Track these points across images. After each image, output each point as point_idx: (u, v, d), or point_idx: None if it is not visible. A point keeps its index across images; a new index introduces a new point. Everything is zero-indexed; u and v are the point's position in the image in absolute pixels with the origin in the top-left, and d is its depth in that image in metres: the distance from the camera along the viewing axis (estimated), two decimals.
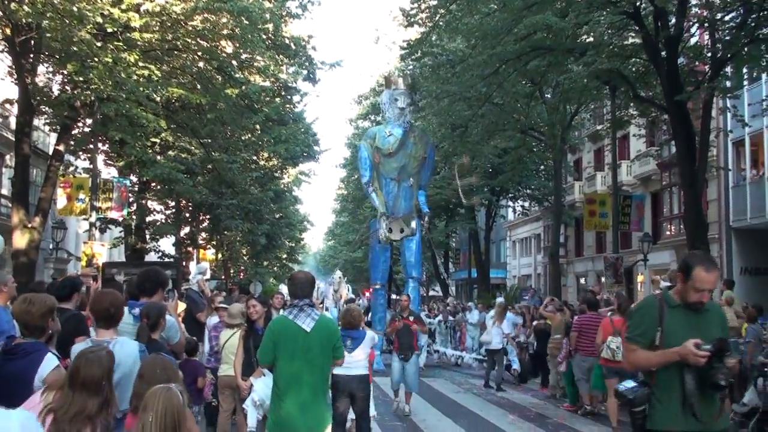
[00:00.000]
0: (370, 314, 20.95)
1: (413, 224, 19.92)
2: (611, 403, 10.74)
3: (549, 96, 24.68)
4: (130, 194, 25.94)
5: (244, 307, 9.28)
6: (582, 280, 38.69)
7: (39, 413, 3.81)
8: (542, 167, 33.84)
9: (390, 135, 19.90)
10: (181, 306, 9.80)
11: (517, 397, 14.47)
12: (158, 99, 17.28)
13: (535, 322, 17.05)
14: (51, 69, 19.01)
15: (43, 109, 19.07)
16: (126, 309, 6.22)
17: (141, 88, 15.36)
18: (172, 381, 4.13)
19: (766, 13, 14.96)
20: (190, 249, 35.03)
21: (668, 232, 28.68)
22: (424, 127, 24.42)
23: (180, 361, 7.70)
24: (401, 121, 20.02)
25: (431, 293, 49.38)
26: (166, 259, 29.20)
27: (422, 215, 20.55)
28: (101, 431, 3.89)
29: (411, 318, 12.55)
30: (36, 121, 21.55)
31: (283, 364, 5.62)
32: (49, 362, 4.57)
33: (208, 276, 22.75)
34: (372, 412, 10.36)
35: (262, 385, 7.07)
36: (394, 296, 33.01)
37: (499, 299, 19.46)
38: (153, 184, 26.42)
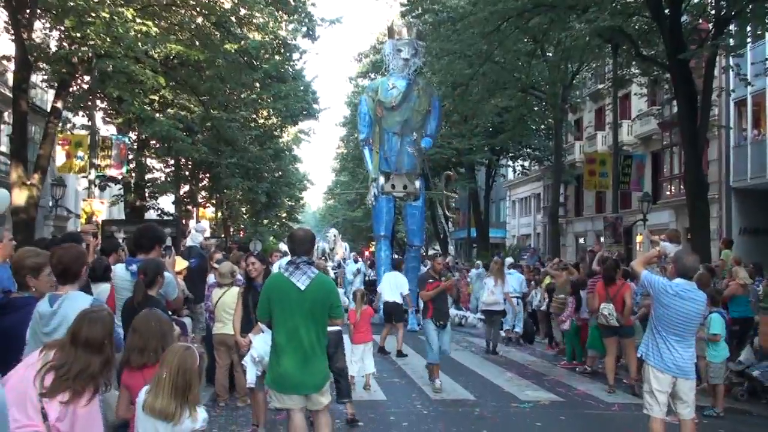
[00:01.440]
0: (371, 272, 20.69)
1: (417, 183, 19.46)
2: (609, 362, 10.83)
3: (550, 54, 24.41)
4: (129, 152, 25.86)
5: (235, 266, 9.33)
6: (581, 240, 38.74)
7: (38, 371, 3.82)
8: (543, 126, 33.66)
9: (393, 87, 18.99)
10: (183, 263, 9.80)
11: (515, 355, 14.57)
12: (156, 55, 17.13)
13: (546, 281, 16.46)
14: (48, 25, 18.77)
15: (41, 66, 18.88)
16: (123, 266, 6.24)
17: (139, 44, 15.21)
18: (166, 335, 4.18)
19: None
20: (189, 207, 35.02)
21: (668, 192, 28.65)
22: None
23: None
24: (405, 73, 19.02)
25: (430, 252, 49.49)
26: (166, 218, 29.22)
27: (424, 155, 19.81)
28: (101, 390, 3.92)
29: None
30: (34, 78, 21.38)
31: (278, 321, 5.74)
32: None
33: (207, 234, 22.78)
34: (371, 369, 10.49)
35: (261, 342, 7.10)
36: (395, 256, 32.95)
37: (496, 257, 19.13)
38: (152, 142, 26.33)
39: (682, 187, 24.71)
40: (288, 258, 6.32)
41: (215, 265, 10.14)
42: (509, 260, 19.46)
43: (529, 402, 9.73)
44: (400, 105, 18.90)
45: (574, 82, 27.76)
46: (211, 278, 10.06)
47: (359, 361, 10.16)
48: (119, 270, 6.26)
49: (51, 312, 4.53)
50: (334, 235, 25.69)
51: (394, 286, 14.48)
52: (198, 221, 32.72)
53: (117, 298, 6.03)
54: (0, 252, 6.50)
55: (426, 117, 19.51)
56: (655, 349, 6.45)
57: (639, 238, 30.10)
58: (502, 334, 16.04)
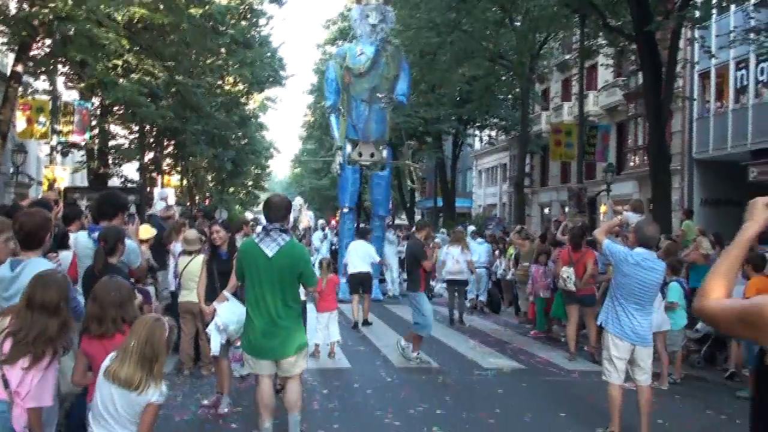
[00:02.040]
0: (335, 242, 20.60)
1: (384, 152, 19.20)
2: (570, 329, 11.01)
3: (518, 23, 24.41)
4: (92, 118, 25.43)
5: (200, 234, 9.27)
6: (546, 210, 39.11)
7: None
8: (510, 96, 33.73)
9: (361, 54, 18.55)
10: (151, 232, 9.69)
11: (479, 323, 14.72)
12: (119, 18, 16.77)
13: (510, 251, 16.48)
14: None
15: (0, 29, 18.43)
16: (86, 233, 6.17)
17: (101, 7, 14.92)
18: (125, 303, 4.16)
19: None
20: (154, 175, 34.66)
21: (632, 163, 29.01)
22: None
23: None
24: (373, 39, 18.60)
25: (397, 221, 49.64)
26: (129, 185, 28.89)
27: (393, 102, 19.15)
28: (59, 354, 3.90)
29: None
30: None
31: (249, 286, 5.86)
32: None
33: (172, 202, 22.51)
34: (337, 337, 10.53)
35: (225, 310, 7.09)
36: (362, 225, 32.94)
37: (459, 227, 19.05)
38: (116, 108, 25.92)
39: (645, 158, 25.00)
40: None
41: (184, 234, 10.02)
42: (471, 228, 19.35)
43: (491, 369, 9.86)
44: (369, 71, 18.54)
45: (541, 52, 27.82)
46: (177, 246, 9.97)
47: (324, 329, 10.20)
48: (81, 237, 6.18)
49: (12, 276, 4.50)
50: (300, 204, 25.53)
51: (362, 256, 14.37)
52: (162, 189, 32.39)
53: (79, 266, 5.96)
54: None
55: (394, 83, 19.12)
56: (614, 317, 6.57)
57: (603, 209, 30.45)
58: (467, 303, 16.12)
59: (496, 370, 9.80)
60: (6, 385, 3.80)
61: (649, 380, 6.67)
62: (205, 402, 7.51)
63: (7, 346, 3.78)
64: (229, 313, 7.09)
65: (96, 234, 5.80)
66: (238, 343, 8.97)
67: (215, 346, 7.12)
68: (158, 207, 12.42)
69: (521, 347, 11.81)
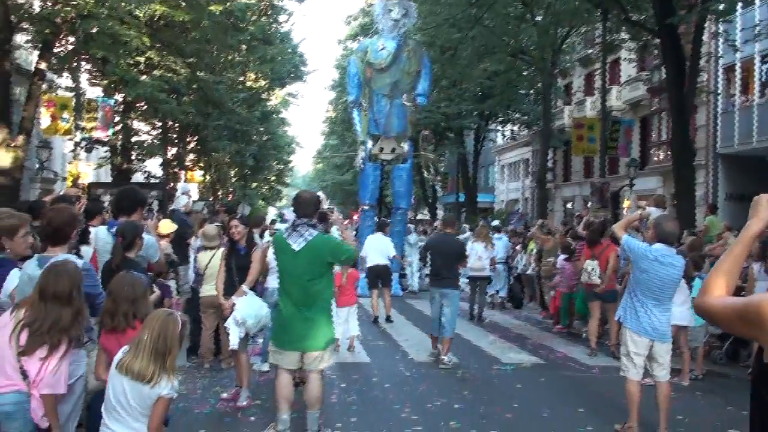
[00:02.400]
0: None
1: (405, 146, 19.17)
2: (592, 325, 10.96)
3: (540, 18, 24.26)
4: (115, 114, 25.64)
5: (220, 229, 9.33)
6: (569, 205, 38.87)
7: (12, 330, 3.85)
8: (532, 91, 33.55)
9: (383, 48, 18.64)
10: (171, 227, 9.77)
11: (500, 319, 14.69)
12: (141, 15, 16.89)
13: (531, 246, 16.34)
14: None
15: (24, 26, 18.62)
16: (105, 228, 6.24)
17: (123, 4, 15.03)
18: (139, 298, 4.21)
19: None
20: (177, 170, 34.89)
21: (656, 158, 28.72)
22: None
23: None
24: (395, 34, 18.69)
25: (419, 216, 49.61)
26: (152, 180, 29.09)
27: (417, 108, 19.40)
28: (74, 343, 3.95)
29: None
30: (19, 39, 21.10)
31: (280, 278, 6.16)
32: (14, 278, 4.59)
33: (195, 197, 22.60)
34: (356, 331, 10.58)
35: (243, 305, 7.15)
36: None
37: (482, 222, 18.93)
38: (139, 104, 26.12)
39: (669, 153, 24.76)
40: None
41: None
42: (496, 223, 19.20)
43: (510, 364, 9.85)
44: (390, 66, 18.59)
45: (563, 46, 27.64)
46: (197, 242, 10.03)
47: (344, 323, 10.23)
48: (101, 233, 6.25)
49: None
50: (321, 199, 25.57)
51: (380, 249, 14.31)
52: (184, 183, 32.59)
53: (99, 261, 6.02)
54: None
55: (416, 78, 19.13)
56: (632, 313, 6.53)
57: (626, 204, 30.24)
58: (488, 299, 16.03)
59: (516, 365, 9.78)
60: (25, 376, 3.87)
61: (667, 376, 6.63)
62: (225, 395, 7.58)
63: (24, 337, 3.84)
64: (247, 307, 7.15)
65: (115, 229, 5.86)
66: (260, 339, 9.09)
67: (234, 340, 7.17)
68: (181, 202, 12.50)
69: (541, 342, 11.77)
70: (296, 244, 5.89)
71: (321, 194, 26.74)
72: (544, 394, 8.17)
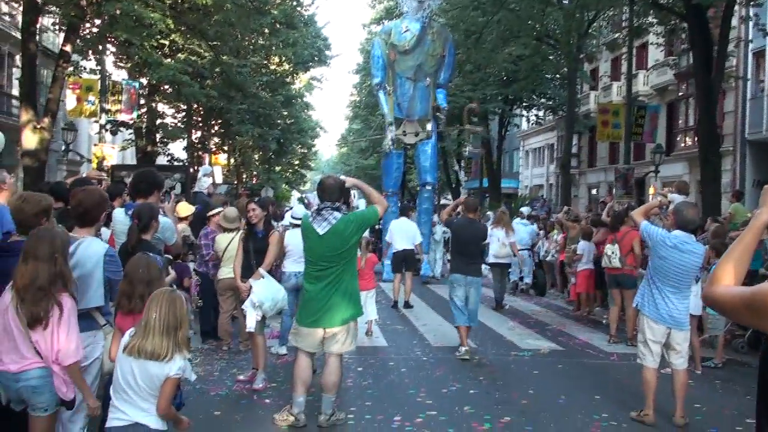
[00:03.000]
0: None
1: (429, 127, 18.87)
2: (613, 312, 10.89)
3: (566, 2, 23.97)
4: (140, 97, 25.80)
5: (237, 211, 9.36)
6: (594, 191, 38.57)
7: (14, 309, 3.92)
8: (557, 76, 33.20)
9: (406, 30, 18.29)
10: (190, 209, 9.83)
11: (520, 305, 14.63)
12: None
13: (554, 232, 16.10)
14: None
15: (50, 9, 18.77)
16: (122, 210, 6.28)
17: None
18: (154, 280, 4.24)
19: None
20: (201, 153, 35.08)
21: (683, 144, 28.37)
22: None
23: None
24: (419, 15, 18.28)
25: (443, 201, 49.47)
26: (176, 163, 29.29)
27: (440, 110, 19.00)
28: (67, 313, 3.97)
29: None
30: (46, 21, 21.28)
31: (306, 261, 6.33)
32: None
33: (219, 181, 22.60)
34: (374, 315, 10.59)
35: (260, 288, 7.18)
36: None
37: (503, 207, 18.49)
38: (164, 87, 26.26)
39: (696, 138, 24.44)
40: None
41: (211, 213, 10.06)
42: (526, 210, 18.52)
43: (528, 351, 9.82)
44: (414, 49, 18.28)
45: (590, 30, 27.29)
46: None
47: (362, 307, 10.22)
48: (118, 214, 6.30)
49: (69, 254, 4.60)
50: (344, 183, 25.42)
51: (405, 234, 14.06)
52: (205, 165, 32.77)
53: (116, 242, 6.08)
54: (1, 195, 6.54)
55: (440, 62, 18.79)
56: (650, 300, 6.47)
57: (651, 190, 29.93)
58: (509, 285, 15.89)
59: (533, 352, 9.75)
60: (38, 353, 3.93)
61: (685, 364, 6.57)
62: (241, 377, 7.64)
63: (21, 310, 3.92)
64: (264, 290, 7.18)
65: (132, 211, 5.89)
66: (277, 322, 9.13)
67: (250, 323, 7.21)
68: (203, 184, 12.58)
69: (561, 329, 11.72)
70: (321, 228, 5.99)
71: (343, 178, 26.72)
72: (560, 381, 8.13)
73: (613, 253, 10.68)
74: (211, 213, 9.91)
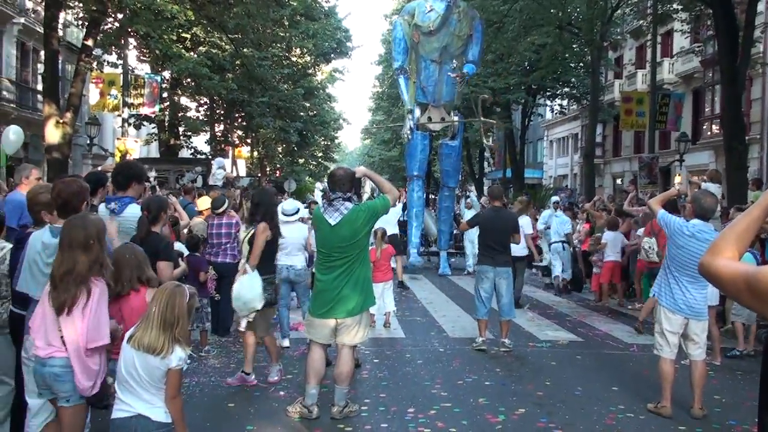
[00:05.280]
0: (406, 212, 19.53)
1: (455, 118, 18.05)
2: (650, 302, 10.58)
3: None
4: (162, 90, 25.93)
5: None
6: (619, 181, 38.21)
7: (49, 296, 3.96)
8: (581, 64, 32.86)
9: (431, 10, 16.92)
10: (208, 202, 9.84)
11: (540, 296, 14.52)
12: None
13: (580, 225, 15.35)
14: None
15: (71, 4, 18.91)
16: (102, 204, 6.20)
17: None
18: (141, 264, 4.29)
19: None
20: (224, 146, 35.21)
21: (709, 132, 27.97)
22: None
23: (187, 255, 7.85)
24: None
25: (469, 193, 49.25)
26: (198, 156, 29.42)
27: (464, 79, 17.73)
28: (98, 296, 3.98)
29: None
30: (69, 16, 21.43)
31: (317, 252, 6.38)
32: None
33: (243, 173, 22.66)
34: (392, 307, 10.56)
35: (238, 285, 6.94)
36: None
37: (523, 197, 17.81)
38: (186, 81, 26.37)
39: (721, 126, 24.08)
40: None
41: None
42: (555, 199, 17.39)
43: (547, 342, 9.73)
44: (439, 30, 16.97)
45: (613, 18, 26.95)
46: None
47: (379, 299, 10.12)
48: (100, 208, 6.23)
49: (55, 243, 4.61)
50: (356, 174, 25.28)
51: (387, 220, 13.40)
52: (234, 161, 32.88)
53: None
54: (25, 188, 6.57)
55: (467, 43, 17.52)
56: (667, 290, 6.37)
57: (677, 179, 29.56)
58: (551, 281, 15.29)
59: (552, 343, 9.66)
60: (64, 342, 3.94)
61: (702, 355, 6.47)
62: (229, 380, 7.37)
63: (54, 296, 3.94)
64: (239, 288, 6.91)
65: (112, 204, 5.84)
66: (294, 317, 9.09)
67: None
68: (217, 176, 12.59)
69: (581, 320, 11.61)
70: (332, 219, 6.00)
71: (362, 168, 26.60)
72: (578, 372, 8.04)
73: (650, 247, 10.62)
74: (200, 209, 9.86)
